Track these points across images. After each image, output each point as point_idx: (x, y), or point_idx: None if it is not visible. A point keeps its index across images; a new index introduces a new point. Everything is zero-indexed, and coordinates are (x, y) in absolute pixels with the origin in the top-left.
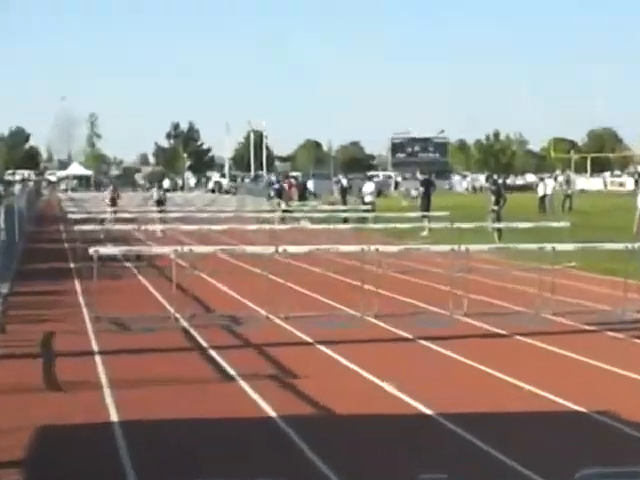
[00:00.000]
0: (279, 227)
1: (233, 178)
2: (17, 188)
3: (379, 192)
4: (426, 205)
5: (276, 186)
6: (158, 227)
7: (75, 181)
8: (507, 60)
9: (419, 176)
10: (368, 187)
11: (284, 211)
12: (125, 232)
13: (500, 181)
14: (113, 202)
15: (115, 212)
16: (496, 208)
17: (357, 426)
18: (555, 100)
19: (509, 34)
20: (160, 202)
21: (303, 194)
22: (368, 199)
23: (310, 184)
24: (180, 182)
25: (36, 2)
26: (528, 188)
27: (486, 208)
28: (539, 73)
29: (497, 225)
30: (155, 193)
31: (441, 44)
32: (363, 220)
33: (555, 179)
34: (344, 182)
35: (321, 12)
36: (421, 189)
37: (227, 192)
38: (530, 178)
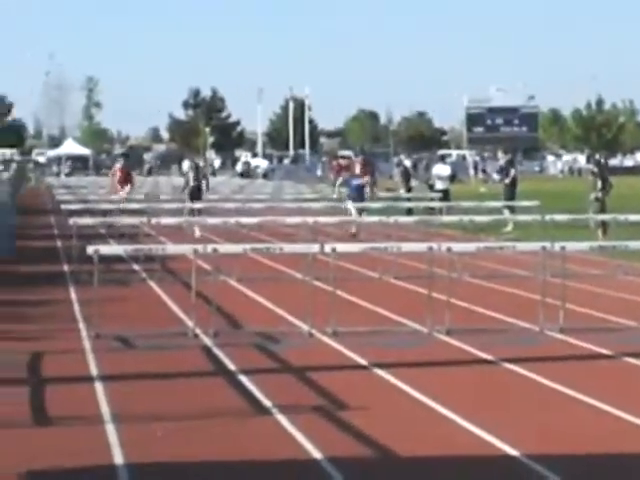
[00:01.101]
0: (324, 220)
1: (268, 158)
2: (6, 175)
3: (453, 176)
4: (511, 192)
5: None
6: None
7: (69, 162)
8: (611, 5)
9: (501, 156)
10: (441, 170)
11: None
12: (132, 227)
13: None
14: (126, 182)
15: (126, 198)
16: (600, 196)
17: (424, 472)
18: None
19: None
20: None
21: None
22: (440, 186)
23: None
24: (202, 163)
25: None
26: (639, 170)
27: (587, 196)
28: None
29: (601, 217)
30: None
31: None
32: (431, 211)
33: None
34: (407, 163)
35: None
36: (512, 171)
37: (264, 176)
38: (630, 160)
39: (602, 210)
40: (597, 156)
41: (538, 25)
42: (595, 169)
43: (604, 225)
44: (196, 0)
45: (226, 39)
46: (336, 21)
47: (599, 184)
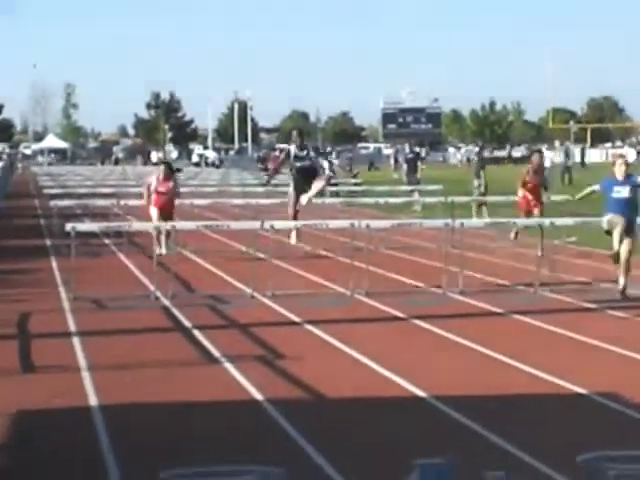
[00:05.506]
0: (264, 202)
1: (217, 151)
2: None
3: (371, 164)
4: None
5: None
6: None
7: (53, 155)
8: (504, 24)
9: (407, 150)
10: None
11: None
12: (104, 207)
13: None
14: (167, 208)
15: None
16: (478, 183)
17: (348, 410)
18: (553, 67)
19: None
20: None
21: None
22: None
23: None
24: (161, 155)
25: None
26: (526, 159)
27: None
28: (539, 38)
29: (482, 199)
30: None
31: (433, 7)
32: (353, 194)
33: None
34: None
35: None
36: (419, 163)
37: (215, 165)
38: (518, 152)
39: (485, 193)
40: (477, 148)
41: (441, 40)
42: (475, 158)
43: (484, 205)
44: (155, 21)
45: (181, 52)
46: (273, 38)
47: (480, 172)
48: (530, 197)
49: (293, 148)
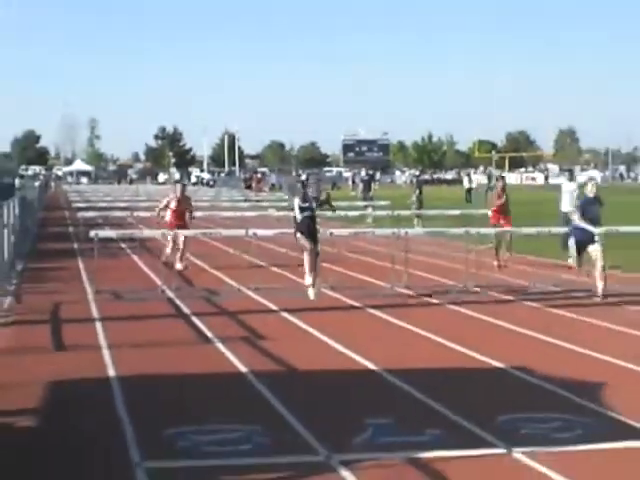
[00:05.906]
0: (249, 214)
1: (211, 173)
2: (36, 184)
3: (333, 184)
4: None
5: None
6: None
7: (84, 178)
8: (442, 69)
9: (362, 173)
10: None
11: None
12: (120, 218)
13: (426, 176)
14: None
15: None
16: (414, 199)
17: (314, 379)
18: (479, 107)
19: (448, 56)
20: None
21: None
22: None
23: (273, 178)
24: (167, 176)
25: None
26: (457, 181)
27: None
28: (468, 83)
29: (417, 212)
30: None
31: (381, 56)
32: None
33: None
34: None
35: (289, 31)
36: (372, 184)
37: (209, 185)
38: (450, 175)
39: (419, 207)
40: (417, 172)
41: (389, 83)
42: (414, 180)
43: (419, 217)
44: (161, 70)
45: (182, 95)
46: (255, 85)
47: (417, 191)
48: (499, 213)
49: (297, 201)
